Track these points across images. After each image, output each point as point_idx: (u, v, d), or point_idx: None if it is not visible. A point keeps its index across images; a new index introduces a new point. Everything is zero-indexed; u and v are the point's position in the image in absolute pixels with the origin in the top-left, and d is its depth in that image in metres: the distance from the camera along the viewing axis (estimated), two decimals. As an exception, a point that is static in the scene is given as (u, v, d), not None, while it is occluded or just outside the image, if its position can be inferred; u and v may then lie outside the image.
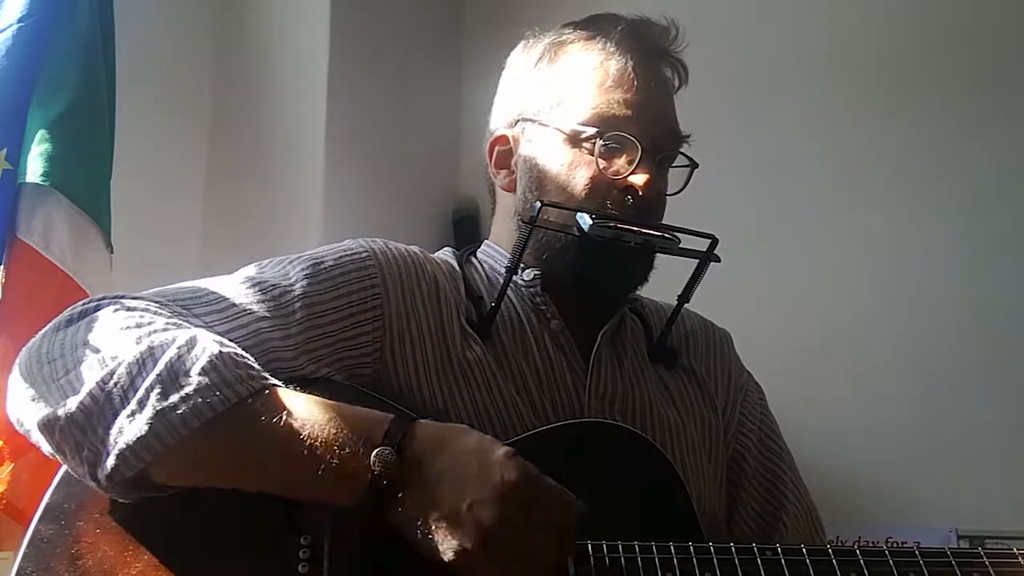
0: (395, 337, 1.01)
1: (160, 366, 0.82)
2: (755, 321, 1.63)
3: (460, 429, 0.87)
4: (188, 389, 0.81)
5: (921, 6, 2.09)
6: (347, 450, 0.82)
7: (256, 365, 0.86)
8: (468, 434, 0.85)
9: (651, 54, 1.11)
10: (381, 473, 0.81)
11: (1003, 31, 1.99)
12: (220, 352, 0.84)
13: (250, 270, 1.02)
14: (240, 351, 0.87)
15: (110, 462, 0.81)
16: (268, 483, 0.85)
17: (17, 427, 0.87)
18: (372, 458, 0.81)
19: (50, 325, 0.92)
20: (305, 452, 0.82)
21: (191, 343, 0.84)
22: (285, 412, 0.84)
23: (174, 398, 0.81)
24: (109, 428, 0.81)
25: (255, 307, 0.96)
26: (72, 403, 0.82)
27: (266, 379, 0.86)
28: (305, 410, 0.84)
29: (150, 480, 0.84)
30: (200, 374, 0.82)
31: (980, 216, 1.94)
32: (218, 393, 0.81)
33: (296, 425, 0.83)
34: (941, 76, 2.02)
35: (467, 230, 2.40)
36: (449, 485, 0.81)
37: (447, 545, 0.80)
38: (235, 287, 0.98)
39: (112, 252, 1.64)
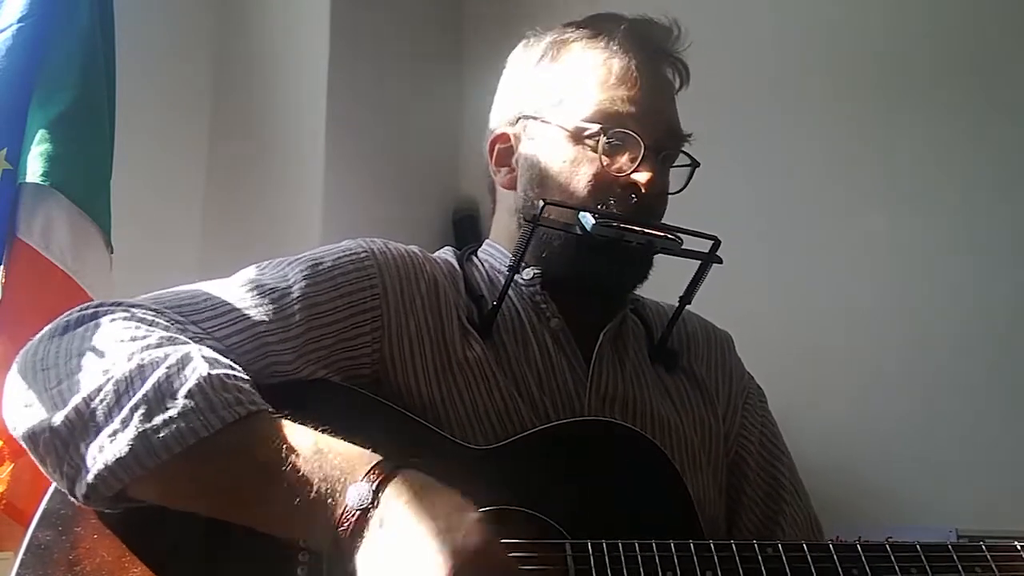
0: (394, 337, 1.01)
1: (147, 386, 0.80)
2: (755, 321, 1.62)
3: (446, 488, 0.80)
4: (172, 412, 0.79)
5: (921, 6, 2.09)
6: (325, 488, 0.78)
7: (247, 387, 0.83)
8: (450, 492, 0.79)
9: (653, 54, 1.11)
10: (352, 515, 0.77)
11: (1003, 31, 2.00)
12: (209, 374, 0.81)
13: (249, 272, 1.01)
14: (233, 370, 0.84)
15: (88, 479, 0.79)
16: (242, 516, 0.82)
17: (11, 431, 0.85)
18: (346, 499, 0.77)
19: (47, 330, 0.90)
20: (283, 487, 0.79)
21: (182, 362, 0.82)
22: (268, 443, 0.80)
23: (158, 420, 0.78)
24: (90, 445, 0.79)
25: (254, 311, 0.94)
26: (58, 417, 0.80)
27: (255, 404, 0.82)
28: (289, 442, 0.80)
29: (128, 497, 0.82)
30: (186, 397, 0.79)
31: (980, 216, 1.94)
32: (202, 418, 0.79)
33: (277, 459, 0.79)
34: (941, 76, 2.03)
35: (467, 230, 2.40)
36: (407, 536, 0.76)
37: None
38: (234, 291, 0.97)
39: (112, 252, 1.63)
